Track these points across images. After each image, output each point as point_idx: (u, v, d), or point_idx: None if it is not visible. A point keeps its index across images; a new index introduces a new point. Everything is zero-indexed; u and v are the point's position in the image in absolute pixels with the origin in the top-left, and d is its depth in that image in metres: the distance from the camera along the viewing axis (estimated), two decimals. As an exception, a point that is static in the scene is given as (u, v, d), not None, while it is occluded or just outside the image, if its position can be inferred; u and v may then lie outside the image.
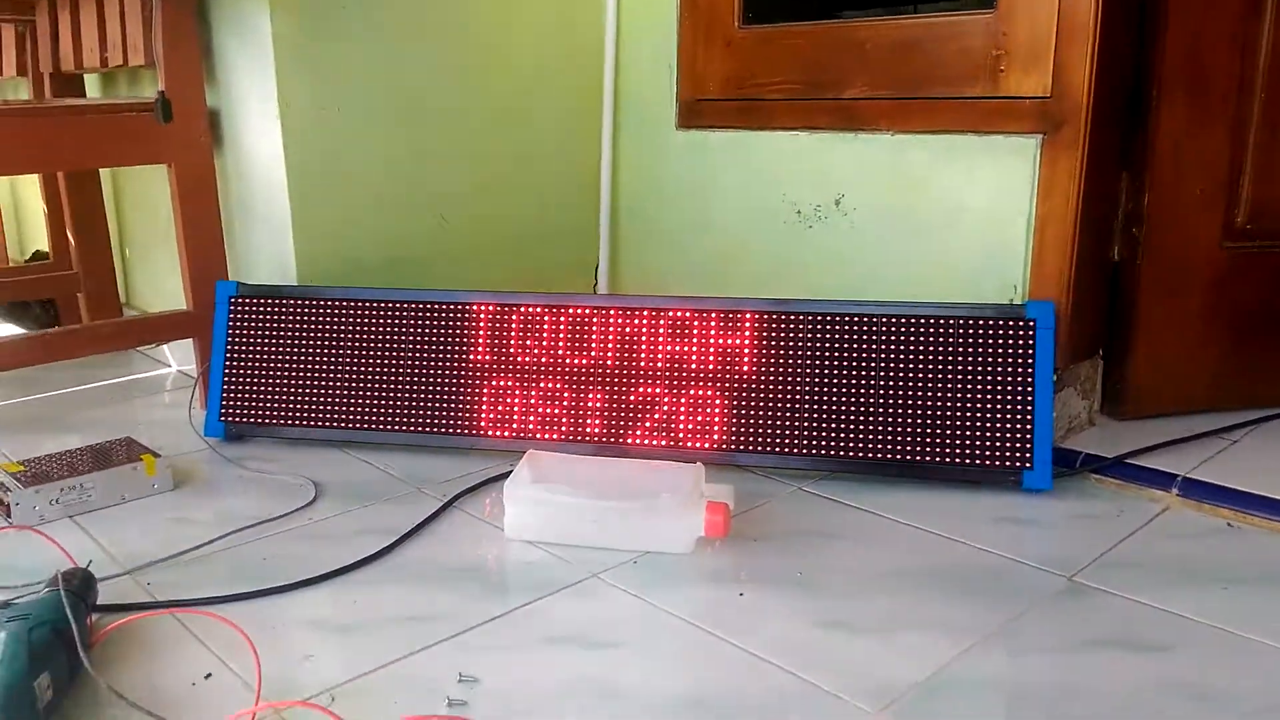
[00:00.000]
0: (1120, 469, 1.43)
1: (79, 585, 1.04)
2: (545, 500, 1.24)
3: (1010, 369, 1.38)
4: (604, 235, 2.06)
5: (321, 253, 1.73)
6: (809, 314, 1.46)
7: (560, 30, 1.97)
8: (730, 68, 1.83)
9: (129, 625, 1.06)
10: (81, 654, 0.93)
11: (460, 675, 0.96)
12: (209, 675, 0.97)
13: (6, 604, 0.97)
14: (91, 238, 2.19)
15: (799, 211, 1.77)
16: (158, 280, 2.16)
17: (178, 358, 2.10)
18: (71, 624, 0.94)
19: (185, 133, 1.67)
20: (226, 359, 1.62)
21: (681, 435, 1.48)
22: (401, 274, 1.82)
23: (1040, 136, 1.45)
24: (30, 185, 2.48)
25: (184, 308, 1.76)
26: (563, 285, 2.05)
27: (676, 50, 1.91)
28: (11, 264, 2.47)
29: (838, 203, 1.71)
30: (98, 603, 1.07)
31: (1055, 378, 1.40)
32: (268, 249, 1.75)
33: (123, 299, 2.28)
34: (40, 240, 2.48)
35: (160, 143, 1.65)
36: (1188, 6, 1.46)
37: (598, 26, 2.00)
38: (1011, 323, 1.39)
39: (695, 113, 1.91)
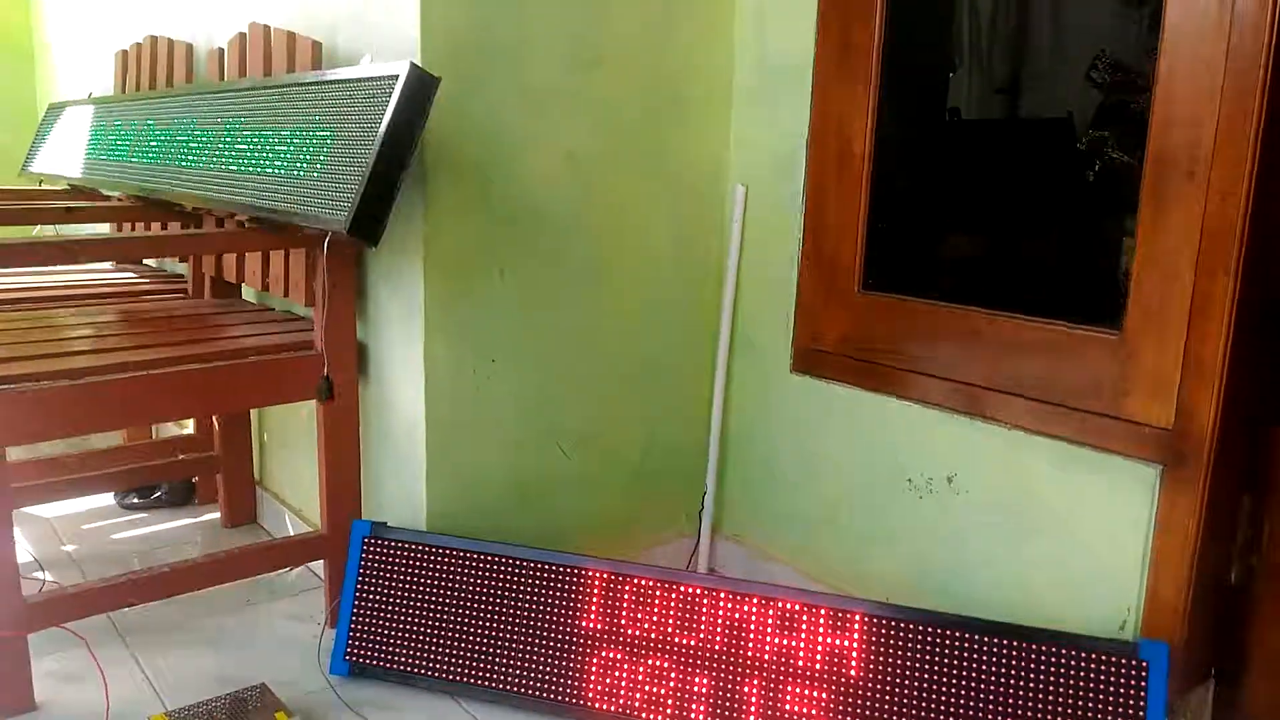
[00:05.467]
0: (1231, 816, 1.41)
1: None
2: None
3: (1120, 708, 1.38)
4: (711, 468, 2.11)
5: (451, 493, 1.83)
6: (920, 624, 1.48)
7: (681, 269, 2.05)
8: (848, 327, 1.89)
9: None
10: None
11: None
12: None
13: None
14: (235, 421, 2.33)
15: (909, 480, 1.80)
16: (290, 466, 2.29)
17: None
18: None
19: (338, 375, 1.79)
20: (355, 599, 1.72)
21: (784, 728, 1.51)
22: (522, 504, 1.91)
23: (1160, 468, 1.46)
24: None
25: (318, 530, 1.88)
26: (669, 515, 2.12)
27: (795, 299, 1.97)
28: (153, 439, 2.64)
29: (950, 480, 1.74)
30: None
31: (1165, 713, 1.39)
32: (402, 487, 1.86)
33: (256, 477, 2.42)
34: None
35: (313, 386, 1.77)
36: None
37: (718, 267, 2.08)
38: (1124, 660, 1.39)
39: (810, 361, 1.96)
